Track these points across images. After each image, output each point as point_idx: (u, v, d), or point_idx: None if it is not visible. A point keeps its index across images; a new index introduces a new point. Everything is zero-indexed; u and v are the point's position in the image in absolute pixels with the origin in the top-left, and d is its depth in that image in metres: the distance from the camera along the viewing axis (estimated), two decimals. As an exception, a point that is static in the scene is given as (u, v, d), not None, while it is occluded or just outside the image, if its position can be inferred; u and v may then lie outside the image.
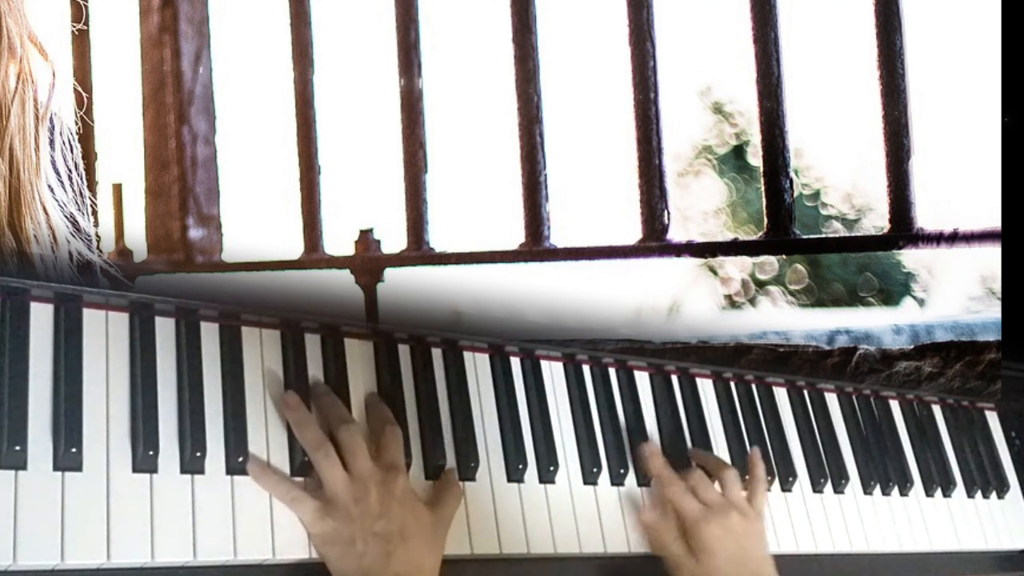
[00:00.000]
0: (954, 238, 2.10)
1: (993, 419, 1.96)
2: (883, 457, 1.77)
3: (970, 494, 1.84)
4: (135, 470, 1.18)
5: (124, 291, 1.30)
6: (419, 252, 2.59)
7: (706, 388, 1.65)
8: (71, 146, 1.52)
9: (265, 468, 1.25)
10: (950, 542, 1.78)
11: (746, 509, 1.51)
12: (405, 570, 1.24)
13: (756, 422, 1.66)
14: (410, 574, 1.25)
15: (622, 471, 1.51)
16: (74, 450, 1.14)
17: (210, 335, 1.28)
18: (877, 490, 1.74)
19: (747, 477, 1.57)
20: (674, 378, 1.63)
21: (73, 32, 2.64)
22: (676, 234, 2.36)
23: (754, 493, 1.54)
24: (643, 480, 1.53)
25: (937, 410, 1.90)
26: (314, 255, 2.73)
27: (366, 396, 1.36)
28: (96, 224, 1.57)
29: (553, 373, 1.53)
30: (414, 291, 2.75)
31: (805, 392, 1.75)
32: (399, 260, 2.64)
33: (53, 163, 1.47)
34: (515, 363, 1.49)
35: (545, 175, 2.45)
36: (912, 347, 2.31)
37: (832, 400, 1.78)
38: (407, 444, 1.34)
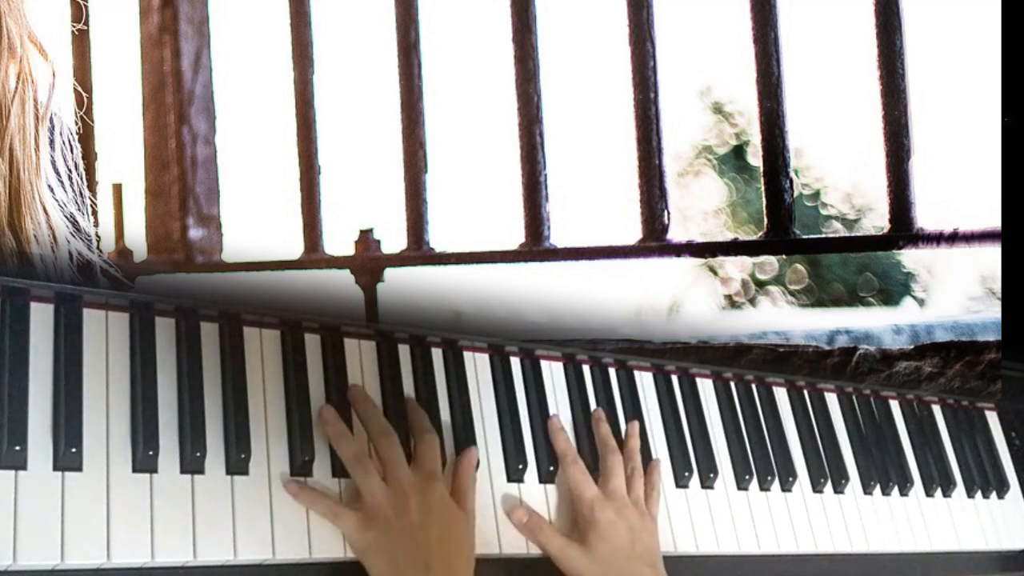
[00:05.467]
0: (954, 238, 2.10)
1: (993, 419, 1.96)
2: (883, 457, 1.77)
3: (970, 494, 1.84)
4: (135, 470, 1.18)
5: (124, 291, 1.30)
6: (419, 252, 2.59)
7: (706, 388, 1.65)
8: (71, 146, 1.52)
9: (303, 486, 1.27)
10: (950, 542, 1.78)
11: (642, 507, 1.48)
12: None
13: (756, 422, 1.66)
14: None
15: (622, 471, 1.51)
16: (74, 450, 1.14)
17: (210, 335, 1.28)
18: (877, 490, 1.74)
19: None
20: (674, 378, 1.63)
21: (73, 32, 2.64)
22: (676, 234, 2.35)
23: (649, 497, 1.51)
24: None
25: (937, 410, 1.90)
26: (314, 255, 2.73)
27: (407, 404, 1.38)
28: (96, 224, 1.57)
29: (553, 373, 1.53)
30: (414, 291, 2.75)
31: (805, 392, 1.75)
32: (399, 260, 2.64)
33: (53, 163, 1.47)
34: (515, 363, 1.49)
35: (545, 175, 2.45)
36: (912, 347, 2.31)
37: (832, 400, 1.78)
38: (408, 444, 1.34)
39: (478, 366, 1.46)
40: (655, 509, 1.51)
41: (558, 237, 2.46)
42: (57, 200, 1.46)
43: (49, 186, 1.45)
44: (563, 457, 1.47)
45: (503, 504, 1.41)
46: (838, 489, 1.70)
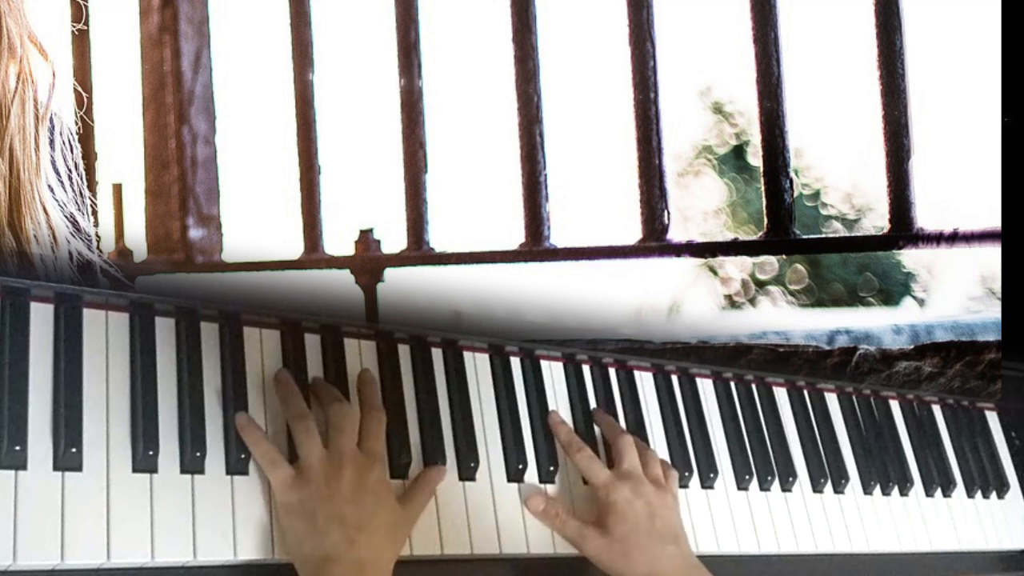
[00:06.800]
0: (954, 238, 2.10)
1: (993, 419, 1.96)
2: (883, 457, 1.77)
3: (970, 494, 1.84)
4: (135, 470, 1.18)
5: (124, 291, 1.30)
6: (419, 252, 2.60)
7: (706, 388, 1.65)
8: (71, 146, 1.52)
9: (251, 423, 1.25)
10: (950, 542, 1.78)
11: (661, 483, 1.46)
12: (365, 558, 1.22)
13: (756, 422, 1.66)
14: (369, 563, 1.22)
15: (622, 471, 1.51)
16: (74, 450, 1.14)
17: (210, 335, 1.28)
18: (877, 490, 1.74)
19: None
20: (674, 378, 1.63)
21: (73, 32, 2.64)
22: (676, 234, 2.36)
23: (667, 474, 1.49)
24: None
25: (937, 410, 1.90)
26: (314, 255, 2.73)
27: (359, 375, 1.35)
28: (96, 224, 1.57)
29: (553, 373, 1.53)
30: (414, 291, 2.75)
31: (805, 392, 1.75)
32: (399, 260, 2.64)
33: (53, 163, 1.47)
34: (515, 363, 1.49)
35: (545, 175, 2.45)
36: (912, 347, 2.31)
37: (832, 400, 1.78)
38: (408, 444, 1.34)
39: (478, 366, 1.46)
40: (674, 485, 1.49)
41: (558, 237, 2.46)
42: (57, 200, 1.46)
43: (49, 186, 1.45)
44: (568, 447, 1.46)
45: (522, 493, 1.41)
46: (838, 489, 1.70)
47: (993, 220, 2.01)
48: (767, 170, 2.25)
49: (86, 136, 2.71)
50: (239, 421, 1.24)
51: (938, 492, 1.81)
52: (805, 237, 2.27)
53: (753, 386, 1.70)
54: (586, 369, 1.55)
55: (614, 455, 1.48)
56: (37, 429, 1.14)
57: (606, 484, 1.44)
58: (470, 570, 1.35)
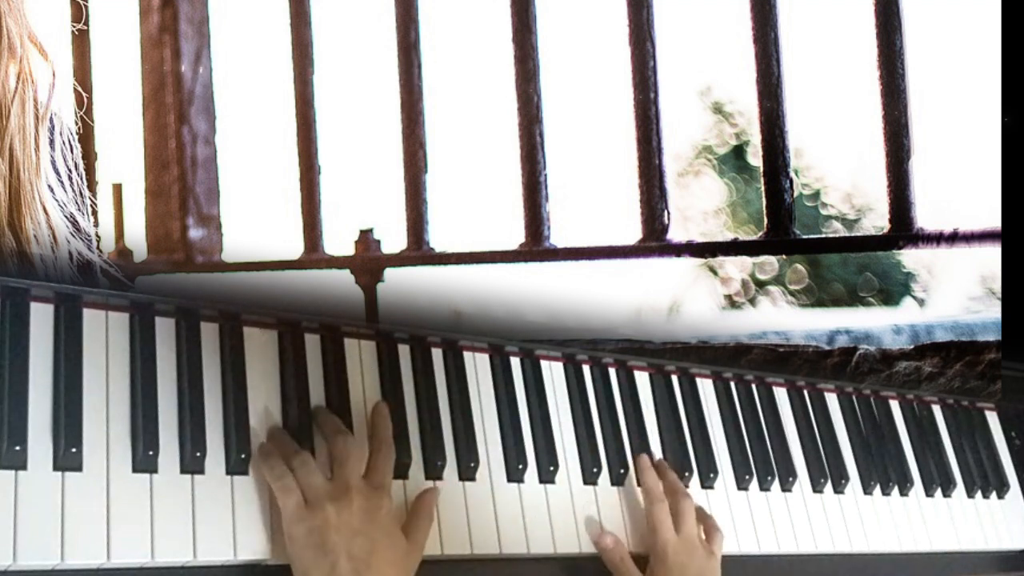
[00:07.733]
0: (954, 238, 2.10)
1: (993, 419, 1.96)
2: (883, 457, 1.77)
3: (970, 494, 1.84)
4: (135, 470, 1.18)
5: (124, 291, 1.30)
6: (419, 252, 2.60)
7: (706, 388, 1.66)
8: (71, 146, 1.52)
9: (272, 453, 1.25)
10: (950, 542, 1.78)
11: (710, 551, 1.52)
12: None
13: (756, 422, 1.66)
14: None
15: (622, 471, 1.51)
16: (74, 450, 1.14)
17: (210, 335, 1.28)
18: (877, 490, 1.74)
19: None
20: (674, 378, 1.63)
21: (73, 32, 2.64)
22: (676, 234, 2.36)
23: (712, 540, 1.54)
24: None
25: (937, 410, 1.90)
26: (314, 255, 2.73)
27: (373, 408, 1.35)
28: (96, 224, 1.56)
29: (553, 373, 1.53)
30: (414, 291, 2.75)
31: (805, 392, 1.75)
32: (399, 260, 2.64)
33: (53, 163, 1.47)
34: (515, 363, 1.49)
35: (545, 175, 2.45)
36: (912, 347, 2.31)
37: (832, 400, 1.78)
38: (408, 444, 1.34)
39: (478, 366, 1.46)
40: (718, 550, 1.53)
41: (558, 237, 2.46)
42: (57, 200, 1.46)
43: (49, 186, 1.45)
44: (648, 493, 1.51)
45: (588, 529, 1.45)
46: (838, 489, 1.70)
47: (993, 220, 2.00)
48: (767, 170, 2.25)
49: (86, 136, 2.71)
50: (261, 450, 1.24)
51: (938, 492, 1.81)
52: (805, 237, 2.27)
53: (753, 386, 1.70)
54: (586, 369, 1.56)
55: (673, 515, 1.51)
56: (37, 429, 1.14)
57: (666, 543, 1.48)
58: (470, 570, 1.36)
